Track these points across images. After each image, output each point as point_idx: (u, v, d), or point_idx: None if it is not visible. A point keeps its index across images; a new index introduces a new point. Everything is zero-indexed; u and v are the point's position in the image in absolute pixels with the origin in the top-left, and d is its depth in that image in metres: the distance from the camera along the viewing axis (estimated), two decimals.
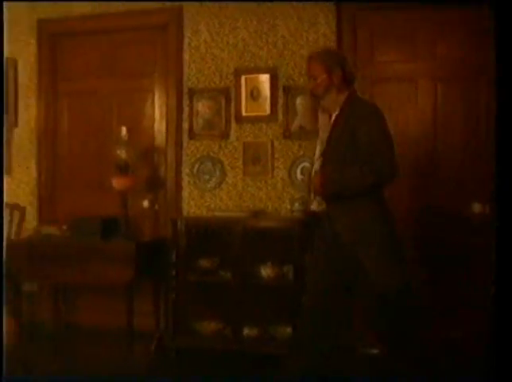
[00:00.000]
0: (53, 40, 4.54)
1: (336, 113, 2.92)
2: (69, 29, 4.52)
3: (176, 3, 4.21)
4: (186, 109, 4.22)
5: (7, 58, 4.56)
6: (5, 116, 4.27)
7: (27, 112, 4.56)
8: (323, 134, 2.98)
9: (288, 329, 3.57)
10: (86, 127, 4.51)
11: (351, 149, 2.81)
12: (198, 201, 4.19)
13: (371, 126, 2.80)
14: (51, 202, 4.52)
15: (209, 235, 3.89)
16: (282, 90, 4.03)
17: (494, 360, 2.00)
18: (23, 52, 4.59)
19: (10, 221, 4.39)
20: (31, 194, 4.53)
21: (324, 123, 3.03)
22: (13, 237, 4.33)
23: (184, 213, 4.18)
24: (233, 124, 4.12)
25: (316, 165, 2.97)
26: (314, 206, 3.01)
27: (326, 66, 2.92)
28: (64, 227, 4.09)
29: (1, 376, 1.59)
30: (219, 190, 4.15)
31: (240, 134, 4.11)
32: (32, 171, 4.54)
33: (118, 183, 3.95)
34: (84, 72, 4.51)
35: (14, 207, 4.44)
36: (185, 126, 4.22)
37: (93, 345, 4.06)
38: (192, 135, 4.20)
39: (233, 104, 4.12)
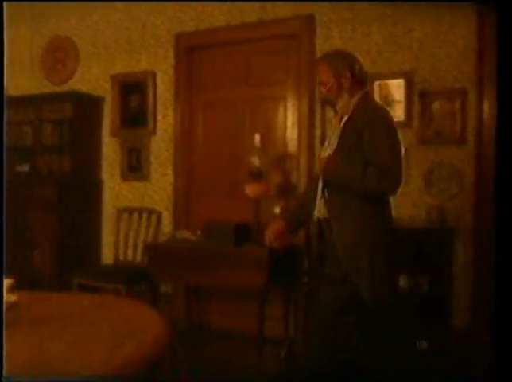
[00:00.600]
0: (189, 52, 4.73)
1: (347, 116, 2.77)
2: (204, 41, 4.69)
3: (309, 12, 4.24)
4: (318, 116, 4.23)
5: (147, 71, 4.85)
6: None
7: (164, 121, 4.79)
8: (333, 139, 2.83)
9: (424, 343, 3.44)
10: (220, 135, 4.64)
11: (358, 155, 2.66)
12: None
13: (375, 132, 2.63)
14: (186, 207, 4.70)
15: None
16: (418, 95, 3.92)
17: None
18: (161, 65, 4.83)
19: (148, 225, 4.61)
20: (167, 200, 4.74)
21: (334, 126, 2.89)
22: (150, 240, 4.55)
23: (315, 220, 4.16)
24: None
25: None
26: (316, 212, 2.88)
27: (334, 70, 2.78)
28: (198, 232, 4.22)
29: (1, 376, 1.64)
30: None
31: None
32: (168, 178, 4.75)
33: (251, 190, 4.01)
34: (219, 82, 4.65)
35: (152, 211, 4.67)
36: (317, 133, 4.22)
37: (223, 347, 4.15)
38: (324, 142, 4.17)
39: None
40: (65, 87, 5.25)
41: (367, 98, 2.82)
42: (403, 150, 2.68)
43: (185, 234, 4.30)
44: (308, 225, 3.79)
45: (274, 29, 4.41)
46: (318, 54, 4.21)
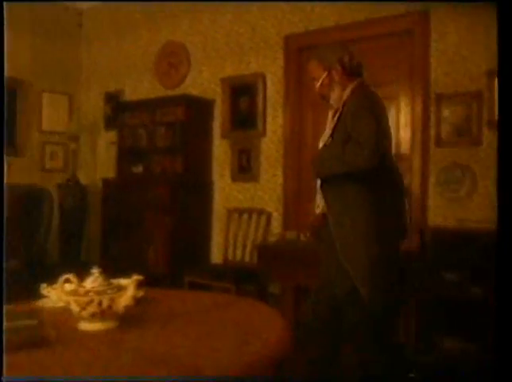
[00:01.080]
0: (299, 53, 4.73)
1: (340, 109, 2.71)
2: (314, 41, 4.65)
3: (423, 8, 4.10)
4: (432, 115, 4.08)
5: (257, 73, 4.90)
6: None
7: (274, 122, 4.82)
8: (327, 132, 2.79)
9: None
10: None
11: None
12: (445, 211, 4.00)
13: (356, 114, 2.59)
14: (296, 208, 4.70)
15: (456, 247, 3.68)
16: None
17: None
18: (271, 67, 4.86)
19: (257, 226, 4.66)
20: (277, 200, 4.75)
21: (329, 120, 2.83)
22: (259, 241, 4.59)
23: (430, 223, 4.02)
24: (485, 130, 3.87)
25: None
26: (315, 208, 2.88)
27: (323, 64, 2.76)
28: (308, 233, 4.20)
29: (1, 376, 1.64)
30: (468, 200, 3.92)
31: (493, 140, 3.83)
32: (278, 178, 4.77)
33: None
34: None
35: (261, 212, 4.71)
36: (431, 132, 4.08)
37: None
38: (438, 142, 4.03)
39: (485, 108, 3.86)
40: (177, 91, 5.42)
41: (361, 88, 2.74)
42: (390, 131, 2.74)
43: (295, 235, 4.30)
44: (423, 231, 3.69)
45: (386, 26, 4.30)
46: (432, 51, 4.08)
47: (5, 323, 1.83)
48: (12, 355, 1.60)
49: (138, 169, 5.47)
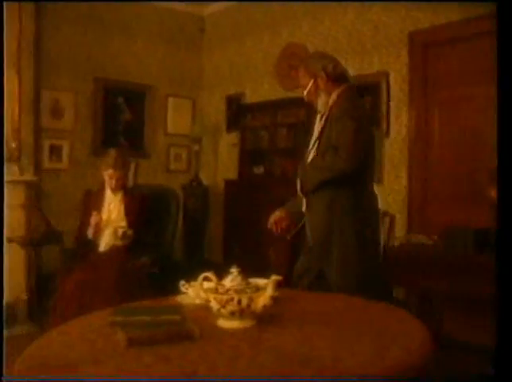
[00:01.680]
0: (424, 49, 4.57)
1: (325, 115, 2.88)
2: (440, 37, 4.50)
3: None
4: None
5: (380, 71, 4.80)
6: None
7: (398, 122, 4.69)
8: (313, 138, 2.95)
9: None
10: (458, 136, 4.39)
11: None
12: None
13: (341, 123, 2.74)
14: (421, 211, 4.54)
15: None
16: None
17: None
18: (394, 65, 4.74)
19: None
20: (401, 202, 4.62)
21: (316, 123, 2.99)
22: (382, 243, 4.48)
23: None
24: None
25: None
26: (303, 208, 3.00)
27: (310, 72, 2.93)
28: (435, 236, 4.05)
29: (1, 376, 1.59)
30: None
31: None
32: (402, 180, 4.64)
33: (495, 193, 3.73)
34: (457, 79, 4.40)
35: (384, 214, 4.59)
36: None
37: (456, 358, 3.94)
38: None
39: None
40: (297, 93, 5.43)
41: (346, 93, 2.89)
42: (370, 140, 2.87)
43: (420, 238, 4.17)
44: None
45: None
46: None
47: (146, 317, 1.92)
48: (156, 348, 1.67)
49: (259, 170, 5.56)
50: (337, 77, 2.93)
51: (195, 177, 6.23)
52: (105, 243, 3.99)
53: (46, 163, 5.50)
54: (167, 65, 6.41)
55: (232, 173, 6.02)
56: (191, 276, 2.33)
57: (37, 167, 5.32)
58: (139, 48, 6.18)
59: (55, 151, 5.56)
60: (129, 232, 3.94)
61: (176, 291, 2.36)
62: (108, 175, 4.03)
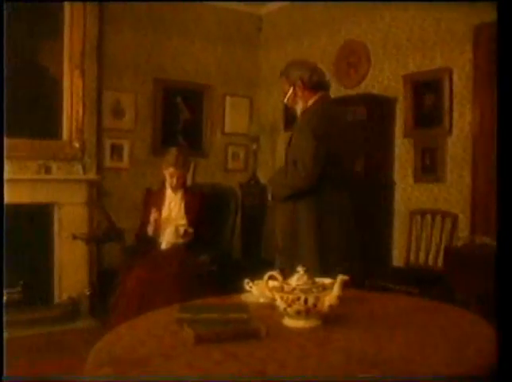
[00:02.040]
0: (490, 44, 4.42)
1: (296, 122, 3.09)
2: None
3: None
4: None
5: (442, 68, 4.68)
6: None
7: (461, 120, 4.55)
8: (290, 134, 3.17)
9: None
10: None
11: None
12: None
13: (301, 137, 2.92)
14: (485, 211, 4.40)
15: None
16: None
17: None
18: (457, 61, 4.60)
19: (442, 228, 4.45)
20: (464, 202, 4.48)
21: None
22: (444, 244, 4.38)
23: None
24: None
25: None
26: None
27: (289, 80, 3.09)
28: None
29: (1, 376, 1.54)
30: None
31: None
32: (465, 179, 4.50)
33: None
34: None
35: (446, 214, 4.49)
36: None
37: None
38: None
39: None
40: (357, 90, 5.37)
41: (321, 101, 3.05)
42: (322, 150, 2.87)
43: (485, 239, 4.04)
44: None
45: None
46: None
47: (213, 315, 1.93)
48: (224, 345, 1.68)
49: None
50: (314, 85, 3.07)
51: (252, 176, 6.24)
52: (166, 241, 4.05)
53: (108, 162, 5.62)
54: (224, 65, 6.45)
55: None
56: (249, 275, 2.34)
57: (99, 166, 5.46)
58: (197, 49, 6.24)
59: (116, 150, 5.68)
60: (190, 230, 3.99)
61: (235, 289, 2.37)
62: (169, 173, 4.10)
